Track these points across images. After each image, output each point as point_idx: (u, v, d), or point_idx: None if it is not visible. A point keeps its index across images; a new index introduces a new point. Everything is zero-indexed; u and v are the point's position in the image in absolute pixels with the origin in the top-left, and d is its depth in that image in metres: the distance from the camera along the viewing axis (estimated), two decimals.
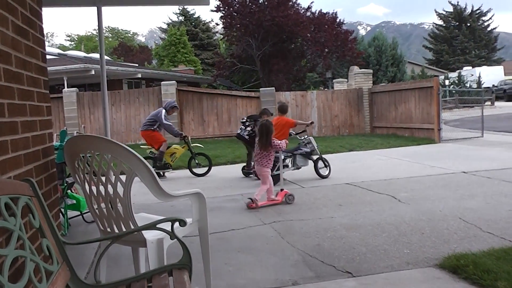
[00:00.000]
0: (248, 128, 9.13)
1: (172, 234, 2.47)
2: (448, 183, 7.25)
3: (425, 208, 5.64)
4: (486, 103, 28.77)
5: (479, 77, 38.74)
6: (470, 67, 48.50)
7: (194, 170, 9.75)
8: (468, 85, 36.66)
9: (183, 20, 45.68)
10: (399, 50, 38.33)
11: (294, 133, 8.87)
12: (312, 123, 9.40)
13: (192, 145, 9.87)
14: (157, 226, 2.48)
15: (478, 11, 63.91)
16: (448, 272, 3.58)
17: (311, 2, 28.77)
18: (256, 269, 3.94)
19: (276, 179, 7.14)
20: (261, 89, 18.33)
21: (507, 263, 3.49)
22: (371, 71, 19.68)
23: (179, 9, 46.27)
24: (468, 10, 63.78)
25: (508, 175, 7.53)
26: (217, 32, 44.97)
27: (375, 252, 4.16)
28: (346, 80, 22.73)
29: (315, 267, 3.89)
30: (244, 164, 9.51)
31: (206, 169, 9.74)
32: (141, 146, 10.11)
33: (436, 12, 67.10)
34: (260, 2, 26.73)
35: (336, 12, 28.98)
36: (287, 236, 4.81)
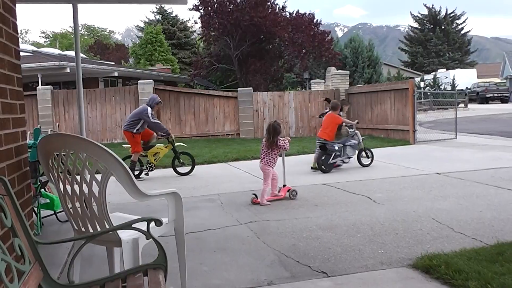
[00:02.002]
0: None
1: (147, 234, 2.46)
2: (422, 184, 7.37)
3: (399, 209, 5.73)
4: (460, 105, 29.36)
5: (453, 79, 39.54)
6: (445, 70, 49.47)
7: (178, 169, 9.74)
8: (442, 88, 37.34)
9: (160, 19, 45.33)
10: (375, 51, 38.76)
11: (345, 124, 9.93)
12: (357, 122, 10.46)
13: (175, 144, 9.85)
14: (133, 225, 2.47)
15: (452, 14, 65.23)
16: (421, 272, 3.64)
17: (285, 1, 28.89)
18: (232, 269, 3.94)
19: (330, 167, 9.00)
20: (238, 89, 18.34)
21: (478, 263, 3.57)
22: (348, 72, 19.86)
23: (156, 7, 45.86)
24: (443, 13, 65.04)
25: (480, 176, 7.70)
26: (194, 31, 44.76)
27: (350, 252, 4.20)
28: (323, 81, 22.88)
29: (290, 267, 3.91)
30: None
31: (189, 168, 9.73)
32: (124, 145, 9.98)
33: (411, 14, 68.26)
34: (238, 1, 26.74)
35: (313, 13, 29.19)
36: (263, 236, 4.82)
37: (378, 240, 4.53)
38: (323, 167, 9.04)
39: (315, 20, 28.61)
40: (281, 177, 6.95)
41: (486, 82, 45.46)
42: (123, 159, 9.25)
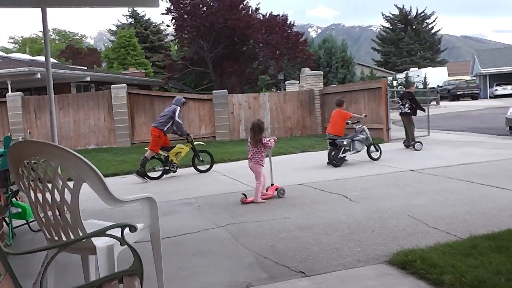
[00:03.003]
0: (407, 105, 11.76)
1: (122, 240, 2.43)
2: (397, 181, 7.47)
3: (375, 206, 5.79)
4: (432, 103, 29.88)
5: (425, 78, 40.26)
6: (416, 68, 50.31)
7: (199, 167, 10.11)
8: (414, 86, 37.94)
9: (132, 22, 44.95)
10: (349, 52, 39.15)
11: (351, 122, 10.22)
12: (365, 116, 11.19)
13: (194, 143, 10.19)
14: (107, 232, 2.43)
15: (423, 14, 66.35)
16: (397, 268, 3.68)
17: (258, 3, 28.95)
18: (210, 273, 3.92)
19: (341, 161, 9.54)
20: (213, 91, 18.27)
21: (452, 257, 3.63)
22: (321, 72, 20.01)
23: (128, 11, 45.48)
24: (413, 13, 66.10)
25: (453, 172, 7.85)
26: (168, 34, 44.51)
27: (327, 251, 4.23)
28: (297, 82, 23.01)
29: (269, 268, 3.91)
30: (404, 139, 12.05)
31: (208, 165, 10.12)
32: (146, 148, 9.98)
33: (383, 15, 69.11)
34: (211, 4, 26.69)
35: (286, 14, 29.34)
36: (241, 238, 4.81)
37: (355, 238, 4.57)
38: (334, 161, 9.54)
39: (288, 22, 28.79)
40: (269, 176, 7.02)
41: (457, 80, 46.44)
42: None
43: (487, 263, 3.45)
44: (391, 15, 67.73)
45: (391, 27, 67.32)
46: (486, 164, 8.51)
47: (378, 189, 6.92)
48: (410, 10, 66.40)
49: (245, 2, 27.88)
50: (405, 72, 45.42)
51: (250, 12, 28.03)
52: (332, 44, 37.33)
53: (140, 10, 45.52)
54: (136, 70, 34.20)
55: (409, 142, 11.64)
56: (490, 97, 42.38)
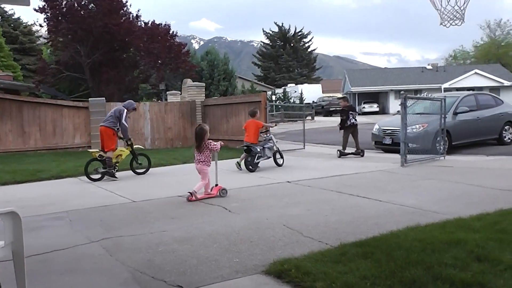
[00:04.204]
0: (356, 117, 12.69)
1: None
2: (274, 192, 7.70)
3: (253, 217, 5.89)
4: (308, 118, 31.53)
5: (301, 93, 42.44)
6: (294, 84, 52.94)
7: (137, 170, 10.57)
8: (292, 101, 39.80)
9: None
10: (231, 65, 39.97)
11: (265, 127, 11.27)
12: (276, 125, 11.83)
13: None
14: None
15: (300, 33, 70.16)
16: (274, 277, 3.77)
17: (138, 10, 28.39)
18: None
19: (255, 166, 10.38)
20: (90, 99, 17.43)
21: (324, 265, 3.82)
22: (203, 84, 20.12)
23: None
24: (292, 32, 69.61)
25: (326, 183, 8.30)
26: (40, 36, 41.69)
27: (206, 263, 4.20)
28: (179, 92, 22.88)
29: (145, 283, 3.78)
30: (340, 148, 12.69)
31: (145, 169, 10.60)
32: (89, 150, 9.94)
33: (263, 31, 71.77)
34: (90, 7, 25.55)
35: (169, 24, 29.12)
36: (116, 254, 4.60)
37: (233, 249, 4.60)
38: (250, 167, 10.33)
39: (171, 31, 28.58)
40: (214, 177, 7.45)
41: (330, 96, 49.72)
42: (89, 162, 9.53)
43: (355, 269, 3.68)
44: (271, 32, 70.57)
45: (271, 44, 70.16)
46: (355, 176, 9.14)
47: (257, 200, 7.07)
48: (289, 29, 69.83)
49: (125, 8, 27.15)
50: (284, 87, 47.52)
51: (131, 19, 27.33)
52: (214, 56, 37.83)
53: (8, 7, 42.14)
54: (2, 72, 31.40)
55: (358, 150, 12.44)
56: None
